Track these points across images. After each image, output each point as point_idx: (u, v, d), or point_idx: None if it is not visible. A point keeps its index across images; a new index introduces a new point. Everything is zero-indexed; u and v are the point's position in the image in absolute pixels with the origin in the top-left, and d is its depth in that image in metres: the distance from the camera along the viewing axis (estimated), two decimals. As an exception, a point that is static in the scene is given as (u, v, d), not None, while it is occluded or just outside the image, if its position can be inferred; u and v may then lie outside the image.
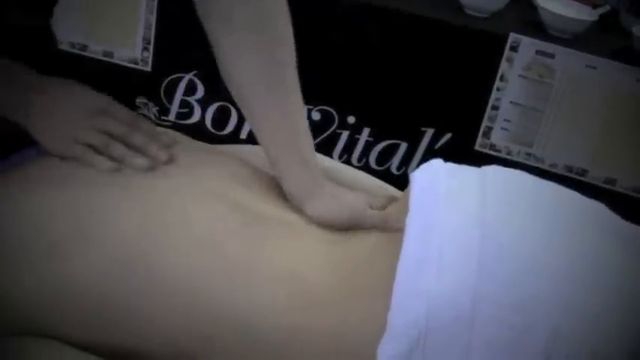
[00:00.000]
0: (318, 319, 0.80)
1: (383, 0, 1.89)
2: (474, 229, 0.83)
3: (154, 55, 1.98)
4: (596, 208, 0.92)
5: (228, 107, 2.03)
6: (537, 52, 1.88)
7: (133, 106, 2.03)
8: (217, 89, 2.03)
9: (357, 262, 0.86)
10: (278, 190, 0.98)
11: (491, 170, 0.94)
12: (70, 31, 1.95)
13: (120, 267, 0.79)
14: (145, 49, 1.97)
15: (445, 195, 0.88)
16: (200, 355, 0.80)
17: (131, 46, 1.96)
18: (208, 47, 2.00)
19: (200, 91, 2.02)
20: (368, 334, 0.77)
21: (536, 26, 1.96)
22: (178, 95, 2.02)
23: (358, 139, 2.03)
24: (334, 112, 2.02)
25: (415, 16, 1.90)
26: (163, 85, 2.01)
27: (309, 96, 2.01)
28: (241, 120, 2.04)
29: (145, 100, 2.03)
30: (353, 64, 1.97)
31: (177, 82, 2.01)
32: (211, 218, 0.85)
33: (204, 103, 2.03)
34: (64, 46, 1.96)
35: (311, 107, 2.02)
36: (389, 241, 0.87)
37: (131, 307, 0.79)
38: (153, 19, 1.94)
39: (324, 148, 2.02)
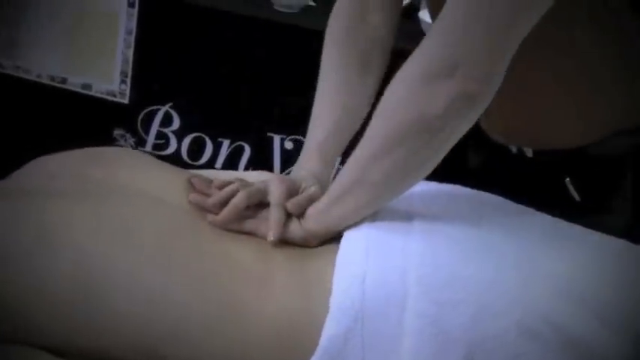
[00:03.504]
0: (271, 303, 0.87)
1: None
2: (401, 221, 0.94)
3: (132, 87, 2.03)
4: (495, 199, 1.04)
5: (203, 138, 2.09)
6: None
7: (110, 138, 2.08)
8: (193, 120, 2.09)
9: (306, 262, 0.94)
10: None
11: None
12: (50, 64, 2.00)
13: (81, 267, 0.84)
14: (123, 82, 2.02)
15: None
16: (168, 354, 0.85)
17: (109, 79, 2.02)
18: (184, 80, 2.07)
19: (176, 123, 2.07)
20: (315, 319, 0.85)
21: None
22: (155, 126, 2.08)
23: (330, 168, 2.09)
24: (306, 142, 2.09)
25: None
26: (140, 116, 2.07)
27: (283, 126, 2.09)
28: (216, 150, 2.10)
29: (123, 132, 2.09)
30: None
31: (153, 114, 2.07)
32: (160, 221, 0.92)
33: (180, 135, 2.09)
34: (44, 79, 2.02)
35: (284, 137, 2.08)
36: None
37: (98, 307, 0.83)
38: (130, 52, 2.00)
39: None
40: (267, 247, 0.93)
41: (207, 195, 0.98)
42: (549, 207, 1.00)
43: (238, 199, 0.95)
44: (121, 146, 2.09)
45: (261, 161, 2.11)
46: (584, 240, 0.95)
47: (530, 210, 1.00)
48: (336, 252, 0.90)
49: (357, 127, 1.12)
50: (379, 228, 0.93)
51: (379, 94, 1.11)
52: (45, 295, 0.82)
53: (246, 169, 2.11)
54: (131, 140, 2.09)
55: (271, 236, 0.92)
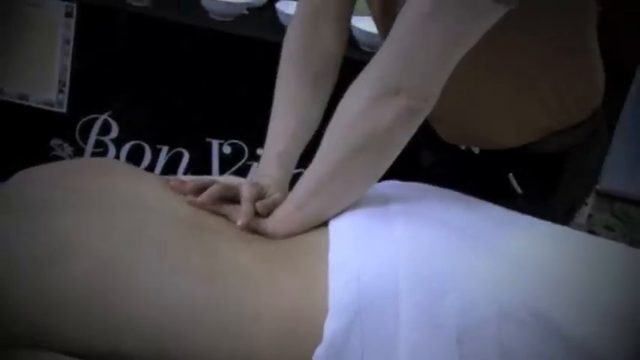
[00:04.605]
0: (274, 301, 0.92)
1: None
2: (380, 206, 1.02)
3: (69, 97, 2.04)
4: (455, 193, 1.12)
5: (142, 145, 2.11)
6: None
7: (47, 148, 2.08)
8: (131, 128, 2.11)
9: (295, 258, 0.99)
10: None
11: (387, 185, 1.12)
12: (-15, 75, 1.99)
13: (99, 274, 0.87)
14: (61, 91, 2.03)
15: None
16: (178, 354, 0.88)
17: (47, 89, 2.02)
18: (122, 88, 2.09)
19: (115, 131, 2.09)
20: (316, 315, 0.90)
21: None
22: (93, 135, 2.09)
23: (268, 170, 2.14)
24: (244, 145, 2.13)
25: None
26: (78, 126, 2.08)
27: (221, 131, 2.13)
28: (155, 157, 2.12)
29: (60, 141, 2.09)
30: (260, 99, 2.08)
31: (92, 123, 2.08)
32: (165, 228, 0.96)
33: (118, 142, 2.10)
34: (-21, 91, 2.01)
35: (222, 142, 2.12)
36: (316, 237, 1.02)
37: (115, 309, 0.87)
38: (68, 62, 2.01)
39: (236, 180, 2.12)
40: (265, 249, 0.99)
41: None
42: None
43: (215, 187, 1.05)
44: (60, 156, 2.09)
45: (199, 166, 2.14)
46: (543, 229, 1.03)
47: (487, 202, 1.08)
48: (327, 246, 0.96)
49: (311, 135, 1.21)
50: (362, 215, 1.01)
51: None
52: (61, 303, 0.85)
53: (185, 174, 2.14)
54: (69, 149, 2.10)
55: (239, 222, 1.02)
